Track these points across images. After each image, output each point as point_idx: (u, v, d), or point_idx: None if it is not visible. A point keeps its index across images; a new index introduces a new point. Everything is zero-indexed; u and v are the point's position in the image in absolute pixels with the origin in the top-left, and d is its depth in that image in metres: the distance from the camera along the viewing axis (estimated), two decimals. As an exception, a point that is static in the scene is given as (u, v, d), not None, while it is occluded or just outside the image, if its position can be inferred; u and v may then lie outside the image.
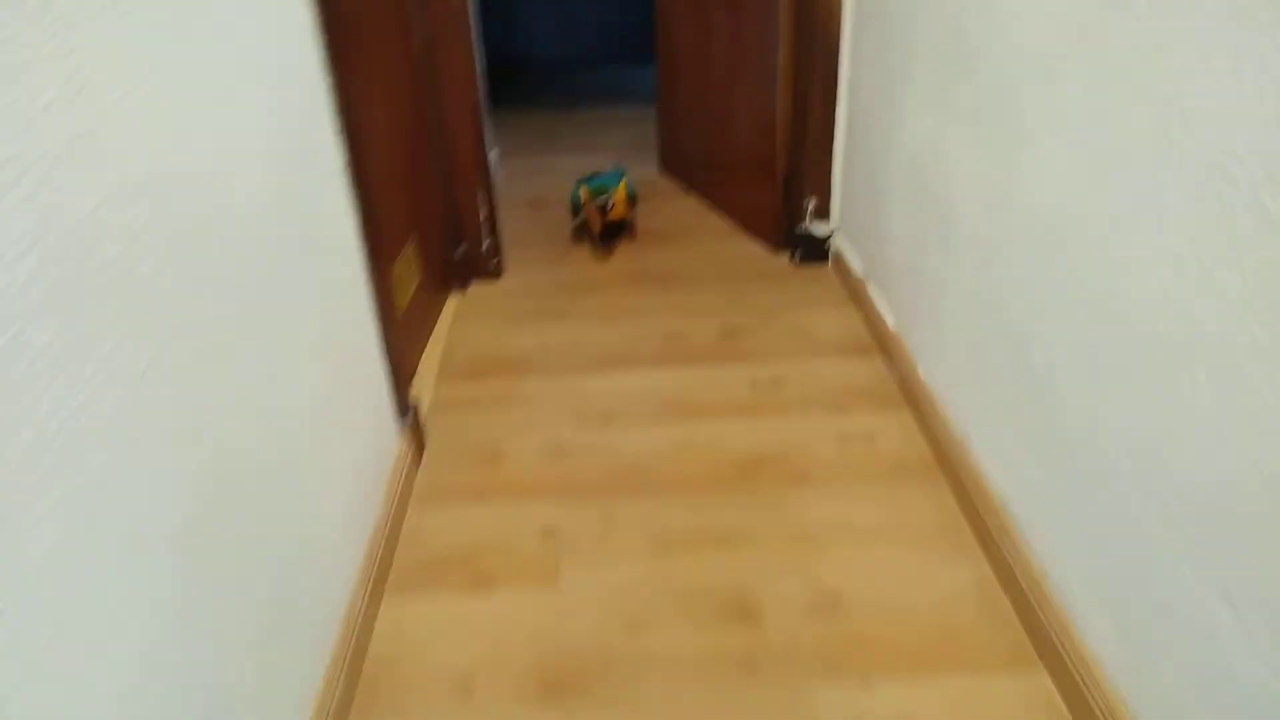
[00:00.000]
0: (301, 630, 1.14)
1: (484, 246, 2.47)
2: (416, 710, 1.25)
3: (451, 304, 2.39)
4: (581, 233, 2.79)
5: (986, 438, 1.51)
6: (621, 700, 1.25)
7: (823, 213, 2.49)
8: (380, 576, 1.44)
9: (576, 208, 2.73)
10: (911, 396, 1.84)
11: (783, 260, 2.56)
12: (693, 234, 2.77)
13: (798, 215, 2.51)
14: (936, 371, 1.74)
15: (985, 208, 1.47)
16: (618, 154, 3.45)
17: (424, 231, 2.17)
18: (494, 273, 2.51)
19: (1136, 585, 1.06)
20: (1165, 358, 0.99)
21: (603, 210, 2.59)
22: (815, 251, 2.52)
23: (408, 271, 2.03)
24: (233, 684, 0.94)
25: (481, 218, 2.44)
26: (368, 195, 1.50)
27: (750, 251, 2.63)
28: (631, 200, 2.70)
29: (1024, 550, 1.35)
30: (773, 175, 2.52)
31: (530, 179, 3.30)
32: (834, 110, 2.35)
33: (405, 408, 1.71)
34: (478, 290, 2.46)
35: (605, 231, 2.69)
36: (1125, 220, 1.06)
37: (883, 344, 2.04)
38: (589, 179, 2.72)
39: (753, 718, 1.22)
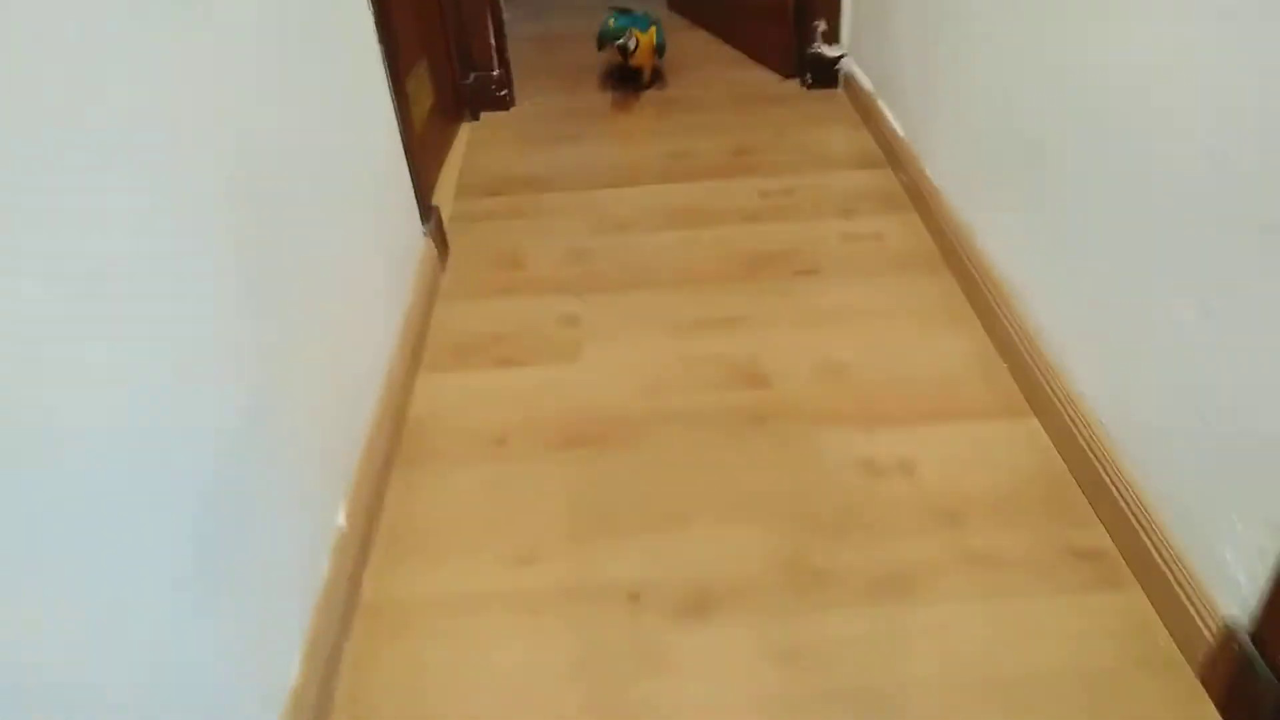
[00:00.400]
0: (346, 388, 1.23)
1: (495, 74, 2.48)
2: (456, 457, 1.36)
3: (465, 132, 2.42)
4: (610, 76, 2.67)
5: (989, 222, 1.57)
6: (641, 447, 1.35)
7: (832, 37, 2.48)
8: (414, 355, 1.53)
9: (604, 40, 2.54)
10: (919, 198, 1.89)
11: (794, 85, 2.57)
12: (704, 64, 2.76)
13: (808, 39, 2.50)
14: (944, 170, 1.79)
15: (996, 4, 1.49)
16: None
17: (434, 56, 2.19)
18: (505, 102, 2.53)
19: (1120, 315, 1.14)
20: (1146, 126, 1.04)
21: (624, 52, 2.43)
22: (826, 75, 2.52)
23: (421, 89, 2.06)
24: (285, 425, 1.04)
25: (492, 45, 2.45)
26: (384, 6, 1.52)
27: (762, 78, 2.64)
28: (659, 51, 2.54)
29: (1021, 315, 1.43)
30: (782, 1, 2.50)
31: (537, 20, 3.26)
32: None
33: (428, 212, 1.77)
34: (490, 119, 2.49)
35: (622, 74, 2.59)
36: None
37: (892, 155, 2.08)
38: (619, 13, 2.53)
39: (760, 457, 1.32)
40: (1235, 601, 0.94)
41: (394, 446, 1.36)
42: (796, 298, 1.67)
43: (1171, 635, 1.04)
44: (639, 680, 1.03)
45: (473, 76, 2.46)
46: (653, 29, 2.47)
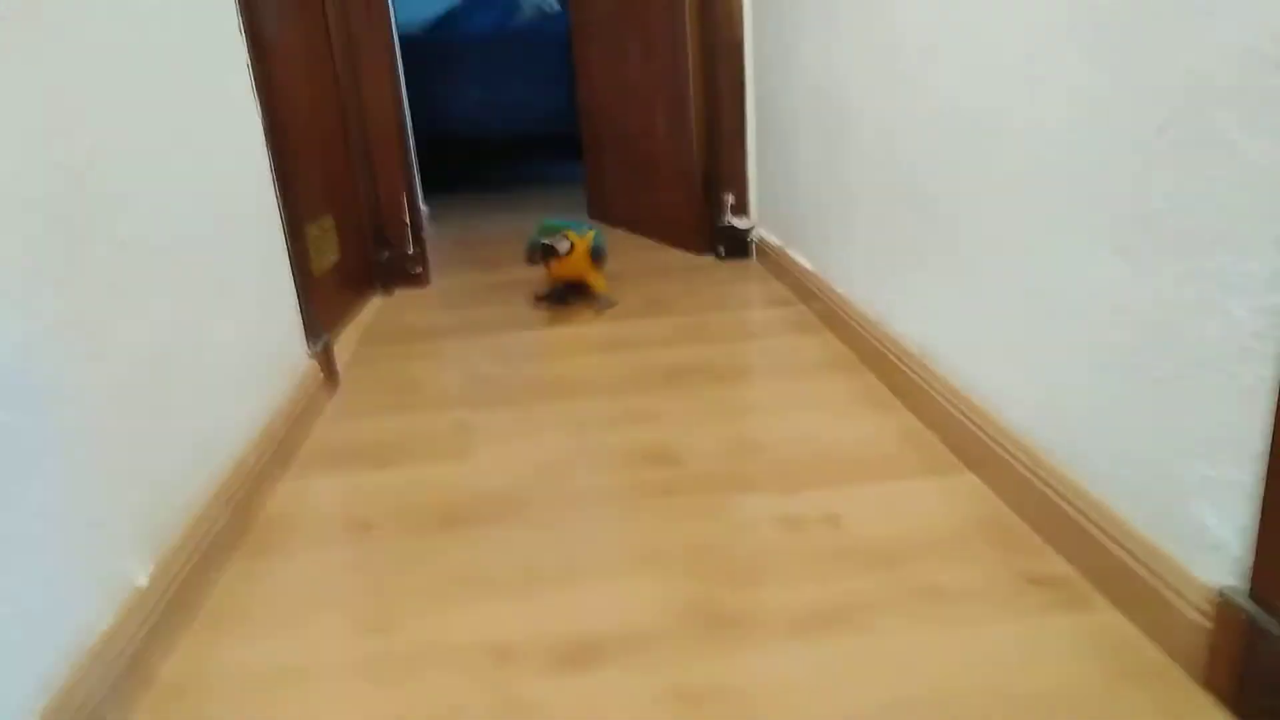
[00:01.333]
0: (173, 441, 1.06)
1: (410, 253, 2.49)
2: (309, 542, 1.15)
3: (375, 302, 2.37)
4: (545, 299, 2.20)
5: (902, 308, 1.51)
6: (529, 522, 1.16)
7: (741, 209, 2.57)
8: (277, 460, 1.35)
9: (533, 249, 2.04)
10: (832, 316, 1.84)
11: (709, 258, 2.61)
12: (621, 251, 2.82)
13: (718, 213, 2.58)
14: (852, 277, 1.76)
15: (881, 115, 1.55)
16: (546, 212, 3.55)
17: (343, 214, 2.19)
18: (419, 279, 2.51)
19: (1038, 343, 1.05)
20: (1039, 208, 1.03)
21: (546, 253, 1.99)
22: (738, 246, 2.58)
23: (325, 240, 2.03)
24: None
25: (407, 224, 2.47)
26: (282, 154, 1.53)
27: (677, 257, 2.68)
28: (596, 254, 2.07)
29: (948, 382, 1.33)
30: (691, 182, 2.61)
31: (459, 229, 3.36)
32: (743, 105, 2.47)
33: (315, 336, 1.67)
34: (403, 294, 2.46)
35: (554, 291, 2.16)
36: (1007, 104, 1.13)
37: (803, 290, 2.07)
38: (549, 223, 2.10)
39: (664, 522, 1.14)
40: (1226, 566, 0.77)
41: (234, 535, 1.15)
42: (709, 398, 1.55)
43: (1157, 642, 0.84)
44: (502, 738, 0.80)
45: (387, 254, 2.47)
46: (590, 232, 2.09)
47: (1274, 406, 0.70)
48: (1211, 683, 0.78)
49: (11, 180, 0.78)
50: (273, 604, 1.02)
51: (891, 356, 1.50)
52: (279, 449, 1.35)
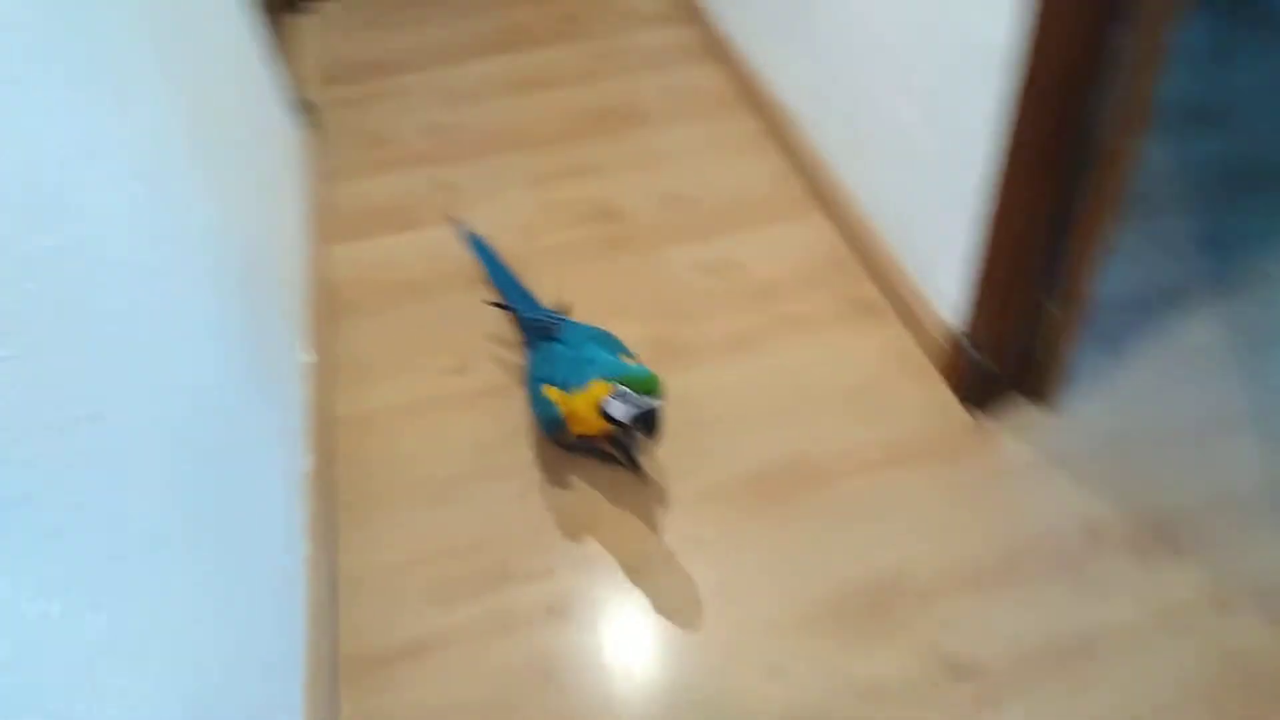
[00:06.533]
0: (283, 255, 1.49)
1: (316, -36, 2.58)
2: (382, 304, 1.65)
3: (295, 24, 2.53)
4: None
5: (771, 63, 1.94)
6: (528, 269, 1.68)
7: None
8: (322, 232, 1.77)
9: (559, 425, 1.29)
10: (718, 53, 2.23)
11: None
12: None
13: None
14: (736, 27, 2.14)
15: None
16: None
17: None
18: (329, -10, 2.64)
19: (862, 109, 1.55)
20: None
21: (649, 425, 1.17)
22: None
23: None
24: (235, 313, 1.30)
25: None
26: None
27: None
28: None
29: (803, 137, 1.83)
30: None
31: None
32: None
33: (303, 106, 1.96)
34: (317, 13, 2.61)
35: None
36: None
37: (692, 15, 2.40)
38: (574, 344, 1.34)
39: (623, 271, 1.69)
40: (952, 309, 1.40)
41: (334, 301, 1.63)
42: (636, 146, 2.00)
43: (923, 350, 1.51)
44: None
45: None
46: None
47: (987, 201, 1.28)
48: (948, 378, 1.45)
49: None
50: (382, 359, 1.55)
51: (769, 104, 1.97)
52: (318, 226, 1.77)
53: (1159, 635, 1.14)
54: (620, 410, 1.15)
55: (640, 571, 1.25)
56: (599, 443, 1.33)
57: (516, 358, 1.53)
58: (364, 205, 1.88)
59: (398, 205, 1.87)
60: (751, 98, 2.06)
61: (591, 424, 1.20)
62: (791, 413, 1.43)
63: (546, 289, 1.62)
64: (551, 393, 1.25)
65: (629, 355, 1.31)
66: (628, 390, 1.14)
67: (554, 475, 1.36)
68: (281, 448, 1.22)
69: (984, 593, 1.19)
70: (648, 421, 1.14)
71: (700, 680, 1.13)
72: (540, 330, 1.39)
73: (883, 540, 1.26)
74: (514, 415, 1.44)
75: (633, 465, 1.35)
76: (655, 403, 1.14)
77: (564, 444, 1.37)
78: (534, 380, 1.32)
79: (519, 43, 2.38)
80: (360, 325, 1.61)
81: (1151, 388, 1.43)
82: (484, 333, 1.58)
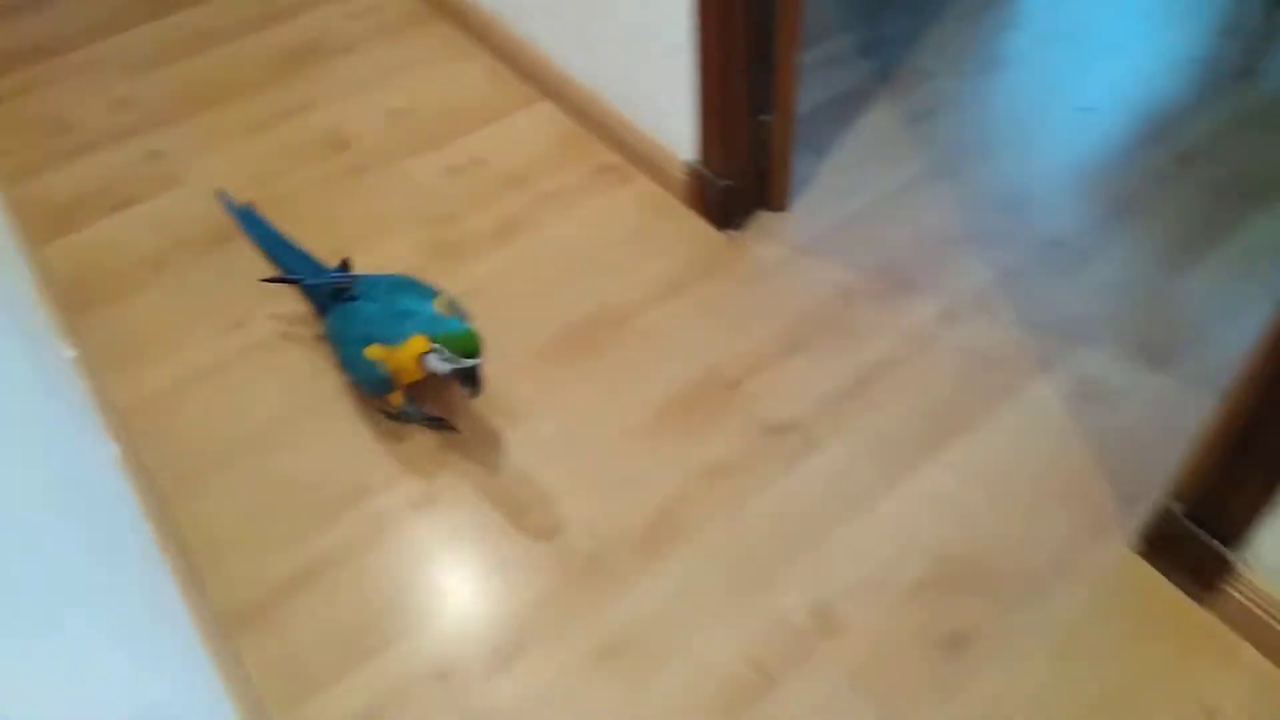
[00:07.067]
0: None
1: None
2: (131, 287, 1.56)
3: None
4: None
5: (457, -34, 1.99)
6: (276, 218, 1.64)
7: None
8: (34, 234, 1.62)
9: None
10: (393, -32, 2.23)
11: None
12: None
13: None
14: (404, -64, 2.14)
15: None
16: None
17: None
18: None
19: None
20: None
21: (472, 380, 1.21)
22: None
23: None
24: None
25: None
26: None
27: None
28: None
29: (512, 31, 1.90)
30: None
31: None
32: None
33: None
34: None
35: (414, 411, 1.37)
36: None
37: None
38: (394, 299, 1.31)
39: (371, 193, 1.71)
40: (687, 146, 1.57)
41: (75, 297, 1.52)
42: (341, 75, 1.97)
43: (669, 192, 1.67)
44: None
45: None
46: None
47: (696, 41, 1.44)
48: (698, 209, 1.62)
49: None
50: (145, 337, 1.47)
51: (465, 9, 2.02)
52: (21, 223, 1.62)
53: (913, 352, 1.40)
54: (440, 366, 1.19)
55: (488, 444, 1.33)
56: (425, 408, 1.35)
57: (293, 301, 1.52)
58: (71, 195, 1.73)
59: (106, 186, 1.74)
60: (444, 6, 2.09)
61: (416, 374, 1.23)
62: (573, 275, 1.55)
63: (303, 234, 1.60)
64: (376, 351, 1.24)
65: (439, 297, 1.30)
66: (444, 349, 1.17)
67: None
68: (87, 437, 1.16)
69: (778, 366, 1.40)
70: (469, 377, 1.19)
71: (569, 511, 1.25)
72: (335, 292, 1.35)
73: (685, 352, 1.42)
74: (310, 350, 1.45)
75: (442, 423, 1.35)
76: (474, 361, 1.18)
77: (389, 413, 1.36)
78: (349, 343, 1.29)
79: (180, 1, 2.23)
80: (112, 312, 1.52)
81: (856, 172, 1.69)
82: (246, 282, 1.54)
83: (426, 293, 1.31)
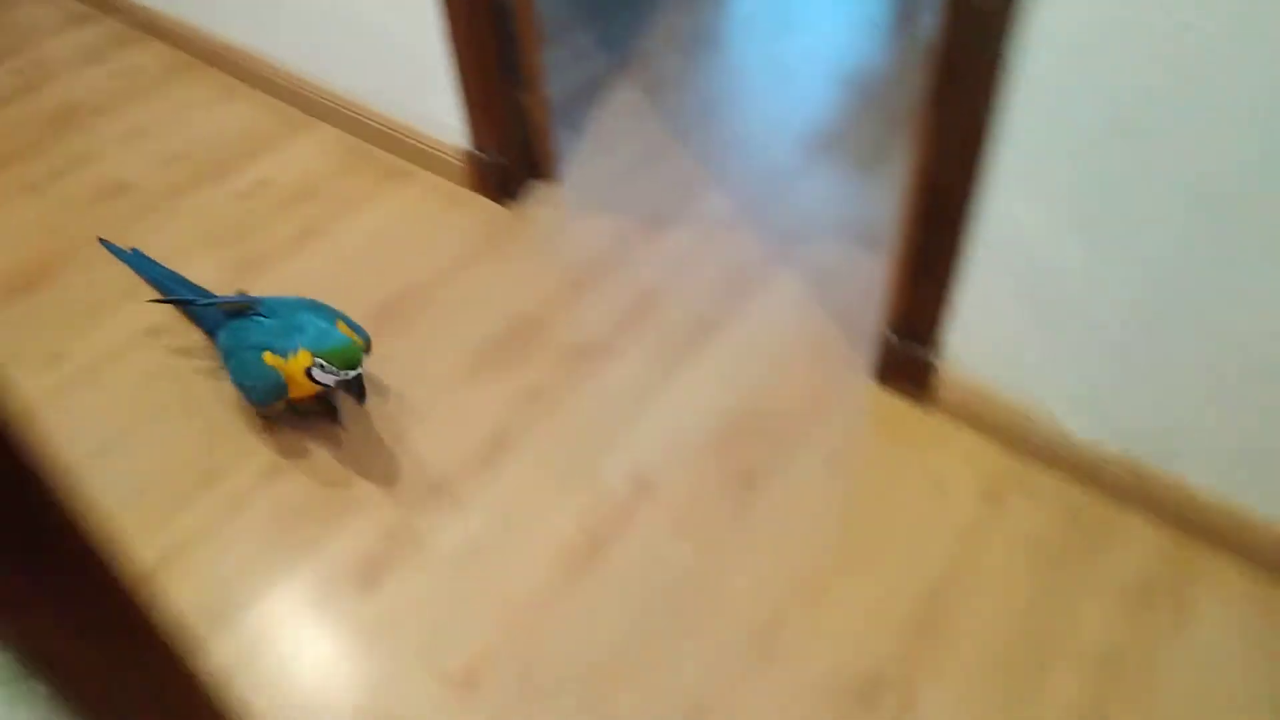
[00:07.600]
0: None
1: None
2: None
3: None
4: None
5: (216, 19, 2.10)
6: (69, 269, 1.70)
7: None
8: None
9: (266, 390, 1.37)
10: (153, 28, 2.30)
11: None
12: None
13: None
14: (163, 3, 2.23)
15: None
16: None
17: None
18: None
19: (314, 16, 1.83)
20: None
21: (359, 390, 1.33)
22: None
23: None
24: None
25: None
26: None
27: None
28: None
29: (272, 68, 2.04)
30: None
31: None
32: None
33: None
34: None
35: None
36: None
37: (105, 8, 2.41)
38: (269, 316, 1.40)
39: (161, 228, 1.79)
40: (460, 135, 1.77)
41: None
42: (110, 131, 2.03)
43: (451, 181, 1.85)
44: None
45: None
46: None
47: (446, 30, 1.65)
48: (479, 189, 1.82)
49: None
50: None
51: (226, 52, 2.13)
52: None
53: (680, 271, 1.66)
54: (325, 378, 1.30)
55: (325, 412, 1.46)
56: (304, 403, 1.44)
57: (112, 330, 1.59)
58: None
59: None
60: (206, 55, 2.19)
61: (306, 387, 1.33)
62: (377, 262, 1.70)
63: (102, 276, 1.67)
64: (273, 359, 1.32)
65: (342, 318, 1.39)
66: (325, 363, 1.28)
67: (215, 389, 1.49)
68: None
69: (573, 302, 1.61)
70: (353, 387, 1.31)
71: (407, 450, 1.40)
72: (231, 312, 1.42)
73: (489, 308, 1.61)
74: (147, 360, 1.52)
75: (334, 416, 1.47)
76: (354, 373, 1.29)
77: (270, 416, 1.45)
78: (247, 349, 1.36)
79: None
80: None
81: (610, 141, 1.95)
82: (65, 309, 1.60)
83: (330, 315, 1.40)
